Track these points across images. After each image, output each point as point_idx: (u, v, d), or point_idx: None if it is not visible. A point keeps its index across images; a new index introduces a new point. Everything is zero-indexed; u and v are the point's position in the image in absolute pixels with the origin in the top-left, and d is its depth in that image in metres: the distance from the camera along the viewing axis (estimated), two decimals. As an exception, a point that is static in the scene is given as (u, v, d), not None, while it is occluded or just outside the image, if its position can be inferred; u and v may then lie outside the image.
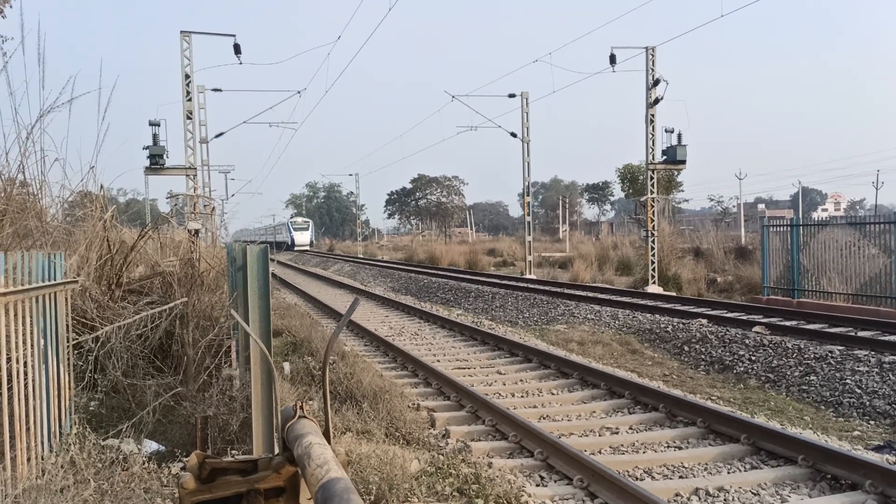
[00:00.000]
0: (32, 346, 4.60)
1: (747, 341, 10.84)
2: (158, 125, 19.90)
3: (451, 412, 7.46)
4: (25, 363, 4.43)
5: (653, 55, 20.64)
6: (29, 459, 4.41)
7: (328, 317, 16.41)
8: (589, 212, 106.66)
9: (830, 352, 9.54)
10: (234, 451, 5.11)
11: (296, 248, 68.69)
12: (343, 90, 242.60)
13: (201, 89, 21.36)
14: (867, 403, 8.05)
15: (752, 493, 5.07)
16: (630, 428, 6.82)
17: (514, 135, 26.12)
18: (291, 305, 17.37)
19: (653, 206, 21.37)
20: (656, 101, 20.87)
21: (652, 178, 21.55)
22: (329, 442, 1.76)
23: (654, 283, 20.85)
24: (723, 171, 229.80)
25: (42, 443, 4.73)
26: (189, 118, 20.16)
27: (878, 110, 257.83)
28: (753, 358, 10.24)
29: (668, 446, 6.27)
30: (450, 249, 43.03)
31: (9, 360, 4.18)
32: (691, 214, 75.78)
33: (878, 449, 6.46)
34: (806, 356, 9.65)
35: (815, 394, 8.73)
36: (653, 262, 21.09)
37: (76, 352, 6.02)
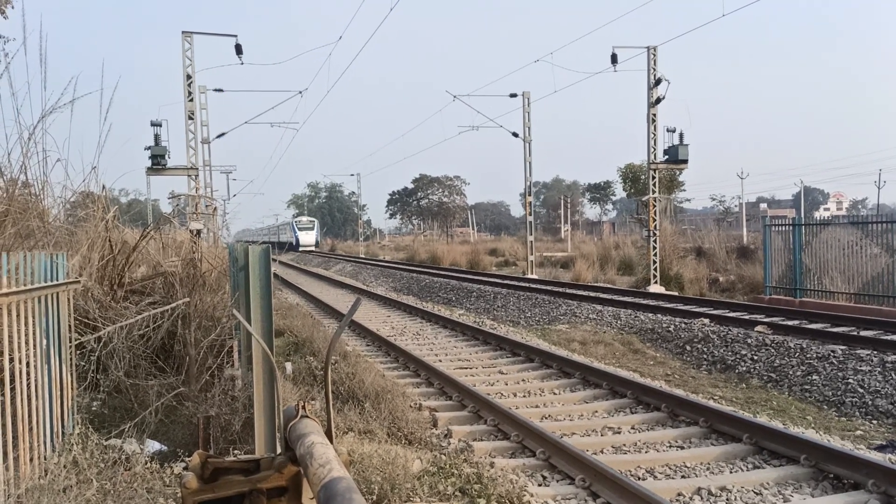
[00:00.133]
0: (35, 346, 4.61)
1: (749, 341, 10.82)
2: (160, 125, 19.88)
3: (453, 412, 7.46)
4: (28, 363, 4.44)
5: (654, 55, 20.61)
6: (32, 459, 4.42)
7: (330, 317, 16.41)
8: (591, 211, 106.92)
9: (833, 351, 9.52)
10: (236, 451, 5.12)
11: (301, 249, 65.36)
12: (344, 90, 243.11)
13: (203, 90, 21.34)
14: (869, 403, 8.03)
15: (755, 492, 5.06)
16: (632, 428, 6.81)
17: (515, 135, 26.10)
18: (293, 305, 17.39)
19: (654, 206, 21.35)
20: (658, 100, 20.84)
21: (654, 177, 21.52)
22: (331, 442, 1.76)
23: (655, 282, 20.84)
24: (724, 171, 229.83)
25: (45, 443, 4.74)
26: (191, 118, 20.17)
27: (878, 110, 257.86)
28: (756, 357, 10.23)
29: (670, 446, 6.27)
30: (451, 249, 43.02)
31: (11, 360, 4.19)
32: (693, 214, 75.84)
33: (880, 448, 6.45)
34: (808, 356, 9.63)
35: (817, 393, 8.71)
36: (655, 262, 21.08)
37: (78, 352, 6.04)
